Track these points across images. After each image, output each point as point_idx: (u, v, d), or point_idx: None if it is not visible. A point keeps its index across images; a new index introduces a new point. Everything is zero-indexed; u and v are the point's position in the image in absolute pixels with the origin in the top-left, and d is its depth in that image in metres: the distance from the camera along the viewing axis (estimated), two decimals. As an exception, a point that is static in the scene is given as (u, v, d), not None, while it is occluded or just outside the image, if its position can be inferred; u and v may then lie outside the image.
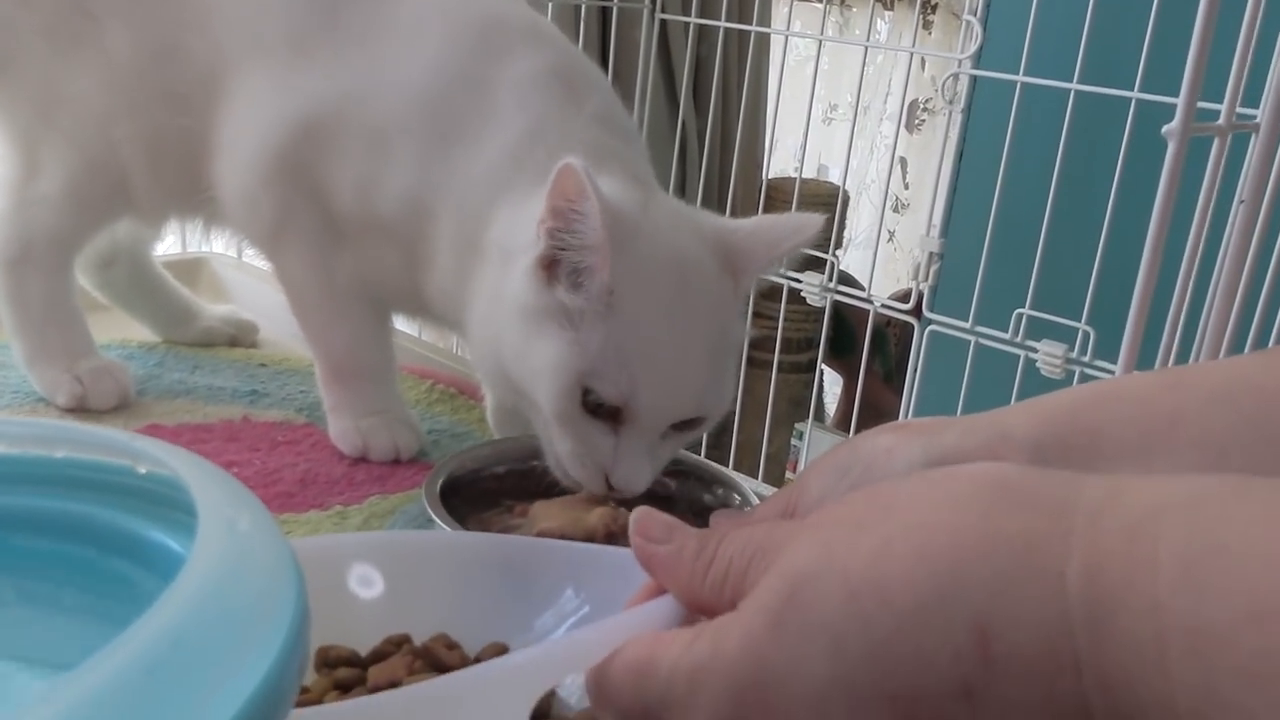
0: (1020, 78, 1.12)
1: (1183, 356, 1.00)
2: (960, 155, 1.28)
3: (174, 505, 0.30)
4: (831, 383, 2.24)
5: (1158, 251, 0.46)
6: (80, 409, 0.75)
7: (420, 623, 0.48)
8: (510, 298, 0.60)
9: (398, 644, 0.48)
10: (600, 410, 0.58)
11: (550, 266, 0.59)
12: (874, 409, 1.84)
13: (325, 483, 0.69)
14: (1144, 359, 0.50)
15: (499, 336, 0.62)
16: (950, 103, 1.19)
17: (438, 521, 0.55)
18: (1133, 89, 1.04)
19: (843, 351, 1.95)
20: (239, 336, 0.92)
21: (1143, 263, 0.47)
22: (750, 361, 1.72)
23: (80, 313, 0.79)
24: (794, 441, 1.63)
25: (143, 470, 0.31)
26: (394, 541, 0.51)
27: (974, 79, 1.21)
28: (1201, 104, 0.60)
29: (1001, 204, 1.14)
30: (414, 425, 0.75)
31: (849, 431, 1.38)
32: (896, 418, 1.35)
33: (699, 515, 0.64)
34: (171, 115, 0.71)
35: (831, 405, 2.16)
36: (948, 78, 1.18)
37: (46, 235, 0.76)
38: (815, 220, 0.61)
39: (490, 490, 0.63)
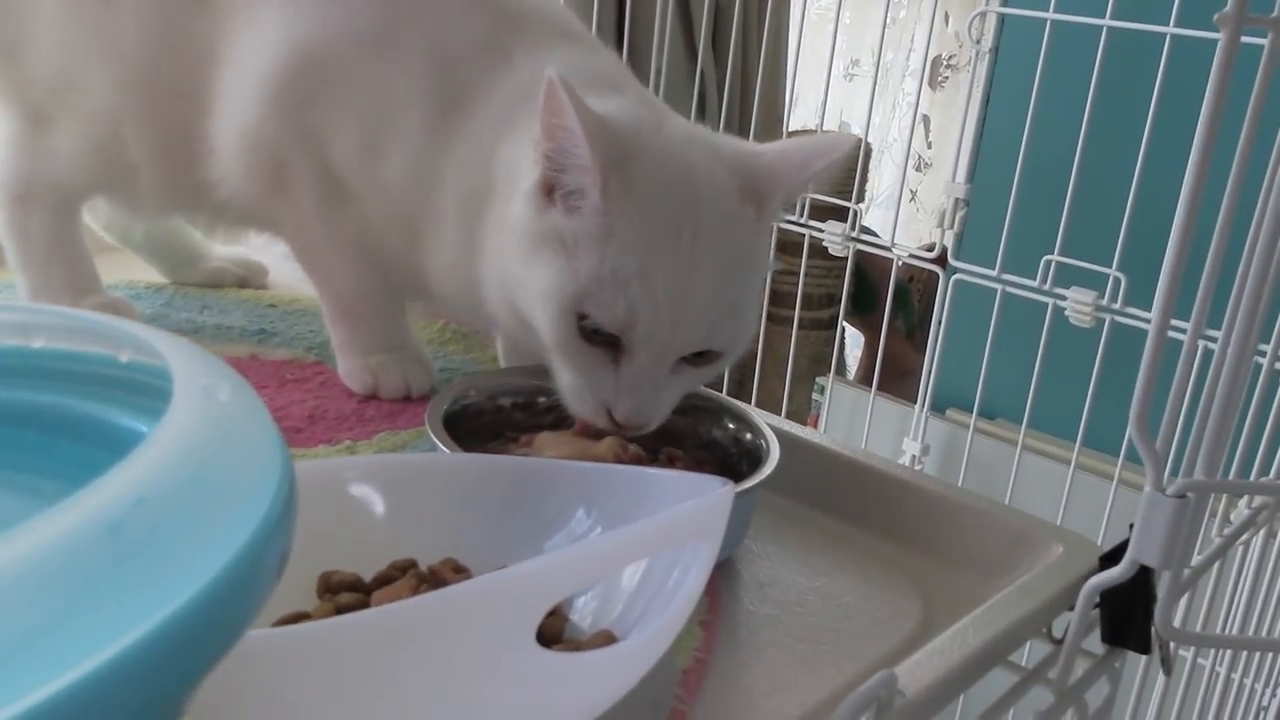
0: (1050, 14, 1.09)
1: (1222, 295, 0.97)
2: (987, 99, 1.25)
3: (159, 395, 0.28)
4: (854, 344, 2.21)
5: (1205, 163, 0.43)
6: None
7: (426, 546, 0.46)
8: (512, 224, 0.58)
9: (403, 568, 0.46)
10: (599, 338, 0.56)
11: (549, 190, 0.56)
12: (896, 367, 1.82)
13: (334, 419, 0.68)
14: (1183, 301, 0.47)
15: (504, 268, 0.59)
16: (977, 43, 1.16)
17: (441, 447, 0.53)
18: (1168, 24, 1.01)
19: (864, 309, 1.92)
20: (248, 278, 0.90)
21: (1185, 184, 0.44)
22: (770, 318, 1.70)
23: (86, 249, 0.77)
24: (815, 396, 1.61)
25: (125, 359, 0.29)
26: (398, 464, 0.50)
27: (1002, 18, 1.17)
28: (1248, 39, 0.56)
29: (1030, 148, 1.11)
30: (426, 362, 0.73)
31: (871, 387, 1.35)
32: (919, 376, 1.33)
33: (707, 449, 0.62)
34: (178, 104, 0.69)
35: (853, 364, 2.13)
36: (974, 16, 1.15)
37: (50, 181, 0.74)
38: (848, 138, 0.58)
39: (493, 423, 0.61)
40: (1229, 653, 0.94)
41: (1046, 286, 1.12)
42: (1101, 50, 1.04)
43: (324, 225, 0.69)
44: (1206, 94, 0.43)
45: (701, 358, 0.59)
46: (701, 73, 1.43)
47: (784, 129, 1.70)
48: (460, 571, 0.46)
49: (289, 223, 0.71)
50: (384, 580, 0.46)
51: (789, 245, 1.67)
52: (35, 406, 0.30)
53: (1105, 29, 1.04)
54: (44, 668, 0.16)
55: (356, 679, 0.30)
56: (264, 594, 0.22)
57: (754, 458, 0.59)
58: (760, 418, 0.62)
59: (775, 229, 0.60)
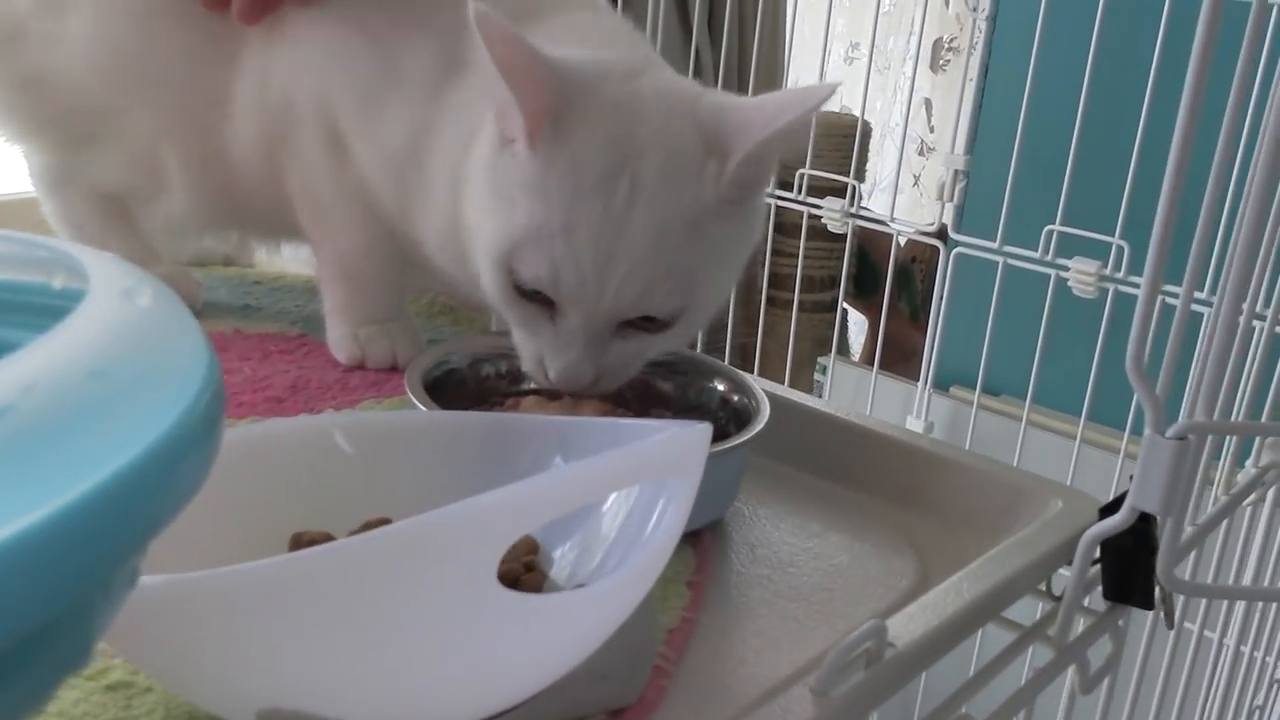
0: (1048, -20, 1.07)
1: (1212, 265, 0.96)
2: (986, 68, 1.23)
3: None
4: (858, 329, 2.19)
5: (1194, 116, 0.41)
6: None
7: (402, 504, 0.45)
8: (473, 173, 0.56)
9: (376, 527, 0.45)
10: (535, 295, 0.54)
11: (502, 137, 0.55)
12: (900, 349, 1.80)
13: (317, 388, 0.66)
14: (1174, 268, 0.46)
15: (470, 219, 0.57)
16: (975, 11, 1.14)
17: (420, 407, 0.52)
18: (1168, -15, 0.99)
19: (867, 291, 1.90)
20: (234, 255, 0.89)
21: (1175, 137, 0.42)
22: (770, 301, 1.68)
23: (135, 224, 0.76)
24: (817, 377, 1.59)
25: (58, 285, 0.28)
26: (372, 422, 0.48)
27: (999, -16, 1.15)
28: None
29: (1029, 116, 1.09)
30: (415, 334, 0.72)
31: (874, 365, 1.34)
32: (923, 357, 1.31)
33: (697, 411, 0.61)
34: (212, 117, 0.68)
35: (857, 349, 2.12)
36: (972, -17, 1.13)
37: (88, 183, 0.74)
38: (827, 87, 0.54)
39: (477, 391, 0.60)
40: (1237, 625, 0.92)
41: (1049, 257, 1.10)
42: (1100, 13, 1.02)
43: (328, 176, 0.67)
44: (1193, 50, 0.41)
45: (652, 323, 0.55)
46: (697, 51, 1.42)
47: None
48: (435, 528, 0.45)
49: (295, 176, 0.69)
50: (355, 539, 0.44)
51: (788, 226, 1.66)
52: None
53: (1104, -8, 1.02)
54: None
55: (298, 621, 0.28)
56: (174, 506, 0.20)
57: (743, 419, 0.57)
58: (751, 379, 0.60)
59: (766, 194, 0.56)
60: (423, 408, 0.52)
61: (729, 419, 0.60)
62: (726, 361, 1.55)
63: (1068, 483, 1.15)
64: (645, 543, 0.36)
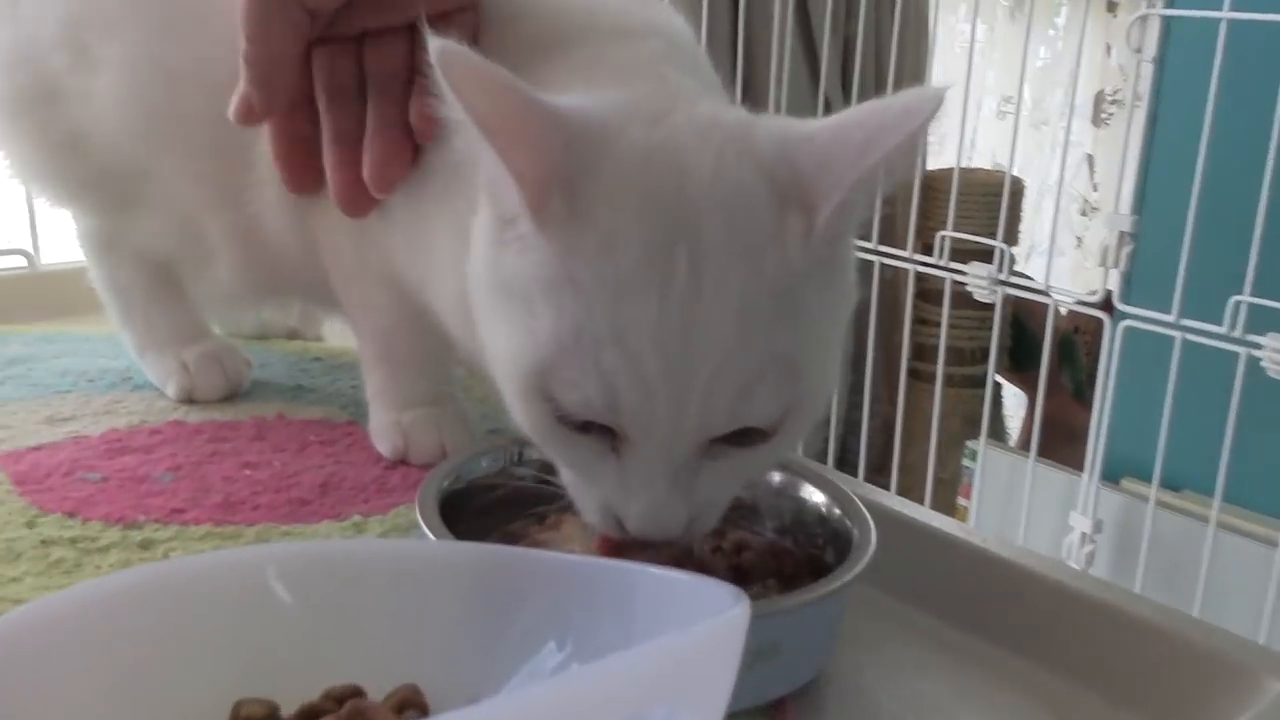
0: (1223, 14, 0.92)
1: None
2: (1154, 116, 1.08)
3: None
4: (1018, 404, 2.01)
5: None
6: (190, 401, 0.68)
7: (372, 667, 0.35)
8: (471, 268, 0.44)
9: (339, 698, 0.35)
10: (589, 426, 0.40)
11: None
12: (1064, 429, 1.61)
13: (350, 489, 0.57)
14: None
15: (475, 328, 0.45)
16: (1138, 52, 0.99)
17: (428, 534, 0.41)
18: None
19: (1025, 363, 1.73)
20: (300, 329, 0.82)
21: None
22: (913, 374, 1.53)
23: (184, 295, 0.71)
24: (965, 463, 1.43)
25: None
26: (331, 554, 0.38)
27: (1166, 22, 1.01)
28: None
29: (1208, 170, 0.94)
30: (468, 422, 0.62)
31: (1030, 453, 1.18)
32: (1089, 444, 1.15)
33: (789, 531, 0.49)
34: (246, 180, 0.61)
35: (1015, 425, 1.93)
36: (1134, 20, 0.99)
37: (133, 245, 0.69)
38: (934, 94, 0.38)
39: (506, 498, 0.49)
40: None
41: (1237, 333, 0.94)
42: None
43: (352, 251, 0.59)
44: None
45: (752, 434, 0.40)
46: (826, 101, 1.31)
47: (922, 165, 1.53)
48: (408, 708, 0.34)
49: (324, 246, 0.61)
50: (309, 716, 0.34)
51: (932, 292, 1.51)
52: None
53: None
54: None
55: None
56: None
57: (843, 543, 0.45)
58: (854, 493, 0.48)
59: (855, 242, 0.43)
60: (428, 531, 0.42)
61: (827, 540, 0.48)
62: (864, 442, 1.42)
63: (1270, 598, 0.97)
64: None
